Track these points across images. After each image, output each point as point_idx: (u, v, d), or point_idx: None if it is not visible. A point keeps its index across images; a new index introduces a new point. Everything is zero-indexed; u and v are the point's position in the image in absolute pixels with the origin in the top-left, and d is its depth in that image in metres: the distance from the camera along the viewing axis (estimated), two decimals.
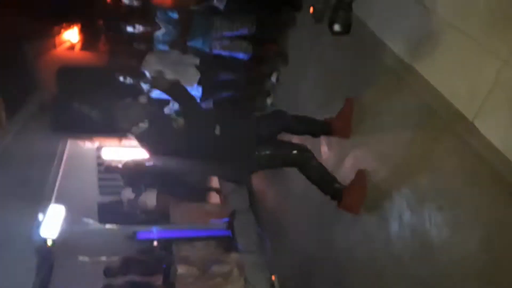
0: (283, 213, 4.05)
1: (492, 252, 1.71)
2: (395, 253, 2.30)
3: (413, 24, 2.30)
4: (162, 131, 2.54)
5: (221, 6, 3.91)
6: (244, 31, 4.09)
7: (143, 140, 2.61)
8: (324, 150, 3.21)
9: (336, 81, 3.21)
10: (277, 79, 4.38)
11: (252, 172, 3.00)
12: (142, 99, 3.77)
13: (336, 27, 2.09)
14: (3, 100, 5.93)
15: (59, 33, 7.96)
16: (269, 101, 4.51)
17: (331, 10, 2.05)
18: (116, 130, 3.04)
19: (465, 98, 1.88)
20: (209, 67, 4.33)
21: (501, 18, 1.71)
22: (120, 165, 5.69)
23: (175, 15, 4.09)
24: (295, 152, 2.56)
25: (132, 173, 5.59)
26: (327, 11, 2.04)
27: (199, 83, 4.30)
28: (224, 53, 4.22)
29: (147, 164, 5.59)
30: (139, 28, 4.21)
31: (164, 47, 4.39)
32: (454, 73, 1.96)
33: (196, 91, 4.33)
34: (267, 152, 2.57)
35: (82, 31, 8.30)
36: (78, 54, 8.16)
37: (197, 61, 4.31)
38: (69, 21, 8.02)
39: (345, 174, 2.78)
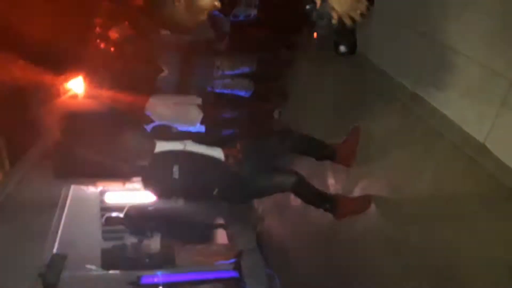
0: (293, 250, 3.93)
1: None
2: (415, 285, 2.20)
3: (413, 51, 2.34)
4: (162, 178, 2.59)
5: (221, 47, 4.02)
6: (245, 69, 4.17)
7: (145, 177, 2.65)
8: (331, 182, 3.17)
9: (339, 113, 3.22)
10: (280, 115, 4.41)
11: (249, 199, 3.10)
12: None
13: (342, 49, 2.15)
14: (7, 147, 5.97)
15: (63, 82, 8.15)
16: (276, 114, 4.53)
17: (335, 34, 2.11)
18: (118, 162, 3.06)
19: (474, 120, 1.87)
20: (212, 106, 4.37)
21: (503, 39, 1.73)
22: (121, 215, 5.60)
23: (177, 58, 4.19)
24: (291, 182, 2.64)
25: (135, 221, 5.49)
26: (330, 36, 2.10)
27: (202, 122, 4.33)
28: (226, 91, 4.28)
29: (150, 208, 5.50)
30: (143, 72, 4.30)
31: (167, 89, 4.46)
32: (461, 96, 1.96)
33: (199, 130, 4.35)
34: (265, 184, 2.67)
35: (86, 80, 8.50)
36: (82, 102, 8.30)
37: (199, 100, 4.36)
38: (73, 71, 8.23)
39: None
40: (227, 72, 4.17)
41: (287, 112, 4.31)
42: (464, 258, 1.89)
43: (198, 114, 4.34)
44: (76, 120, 5.99)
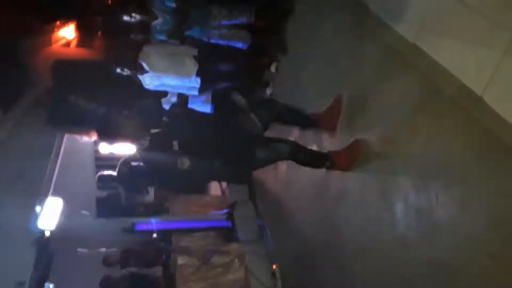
0: (284, 202, 4.03)
1: (501, 227, 1.69)
2: (401, 234, 2.28)
3: (415, 2, 2.28)
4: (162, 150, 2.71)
5: None
6: (242, 20, 4.06)
7: (144, 157, 2.85)
8: (326, 136, 3.19)
9: (337, 66, 3.18)
10: (277, 69, 4.35)
11: (251, 173, 3.20)
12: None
13: None
14: None
15: (55, 30, 7.90)
16: (268, 91, 4.48)
17: None
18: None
19: (473, 73, 1.86)
20: (208, 57, 4.29)
21: None
22: (114, 173, 5.58)
23: (172, 4, 4.05)
24: (287, 150, 2.77)
25: (129, 179, 5.49)
26: None
27: (198, 74, 4.26)
28: (223, 42, 4.19)
29: (143, 164, 5.50)
30: (136, 17, 4.16)
31: (162, 37, 4.34)
32: (461, 48, 1.94)
33: (195, 82, 4.29)
34: (262, 154, 2.75)
35: (79, 28, 8.24)
36: (74, 51, 8.10)
37: (195, 51, 4.27)
38: (65, 18, 7.97)
39: None
40: (224, 22, 4.05)
41: (284, 65, 4.25)
42: (456, 211, 1.93)
43: (193, 66, 4.26)
44: (69, 67, 5.87)
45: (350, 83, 2.92)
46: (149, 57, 4.19)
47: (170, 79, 4.25)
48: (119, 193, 5.58)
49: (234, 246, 4.20)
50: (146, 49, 4.22)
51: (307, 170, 3.43)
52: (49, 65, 6.11)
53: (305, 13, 3.80)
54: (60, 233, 4.00)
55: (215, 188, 5.53)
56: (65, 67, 5.81)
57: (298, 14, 3.94)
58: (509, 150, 1.66)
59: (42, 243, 3.87)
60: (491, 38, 1.76)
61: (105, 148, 6.27)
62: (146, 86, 4.23)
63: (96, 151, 6.16)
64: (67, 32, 8.17)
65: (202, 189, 5.73)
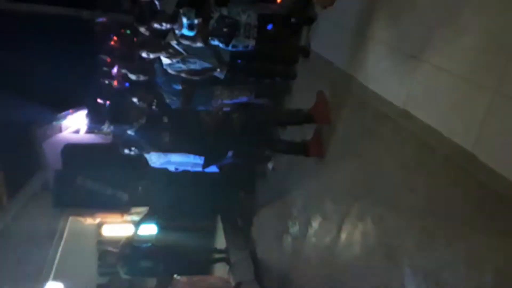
0: (291, 278, 3.86)
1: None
2: None
3: (402, 72, 2.45)
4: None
5: (221, 76, 4.16)
6: (243, 99, 4.29)
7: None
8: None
9: (333, 136, 3.28)
10: (273, 168, 4.52)
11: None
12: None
13: None
14: (6, 180, 6.02)
15: (65, 118, 8.34)
16: (270, 165, 4.57)
17: None
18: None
19: (462, 131, 1.93)
20: None
21: (484, 53, 1.84)
22: (115, 250, 5.43)
23: (178, 86, 4.32)
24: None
25: (130, 261, 5.36)
26: None
27: None
28: None
29: (145, 246, 5.38)
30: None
31: None
32: (448, 110, 2.04)
33: (199, 159, 4.39)
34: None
35: (87, 115, 8.69)
36: (83, 137, 8.45)
37: None
38: (75, 107, 8.47)
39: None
40: (226, 101, 4.28)
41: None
42: (461, 268, 1.88)
43: None
44: (78, 150, 6.08)
45: (348, 150, 3.00)
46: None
47: (175, 156, 4.37)
48: (121, 279, 5.40)
49: None
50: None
51: (313, 243, 3.38)
52: (58, 151, 6.34)
53: (300, 91, 4.02)
54: None
55: (219, 270, 5.34)
56: (74, 151, 6.02)
57: (295, 91, 4.17)
58: (503, 199, 1.67)
59: None
60: (473, 99, 1.87)
61: (108, 231, 6.24)
62: (152, 164, 4.32)
63: (99, 234, 6.11)
64: (77, 120, 8.58)
65: (206, 271, 5.54)
